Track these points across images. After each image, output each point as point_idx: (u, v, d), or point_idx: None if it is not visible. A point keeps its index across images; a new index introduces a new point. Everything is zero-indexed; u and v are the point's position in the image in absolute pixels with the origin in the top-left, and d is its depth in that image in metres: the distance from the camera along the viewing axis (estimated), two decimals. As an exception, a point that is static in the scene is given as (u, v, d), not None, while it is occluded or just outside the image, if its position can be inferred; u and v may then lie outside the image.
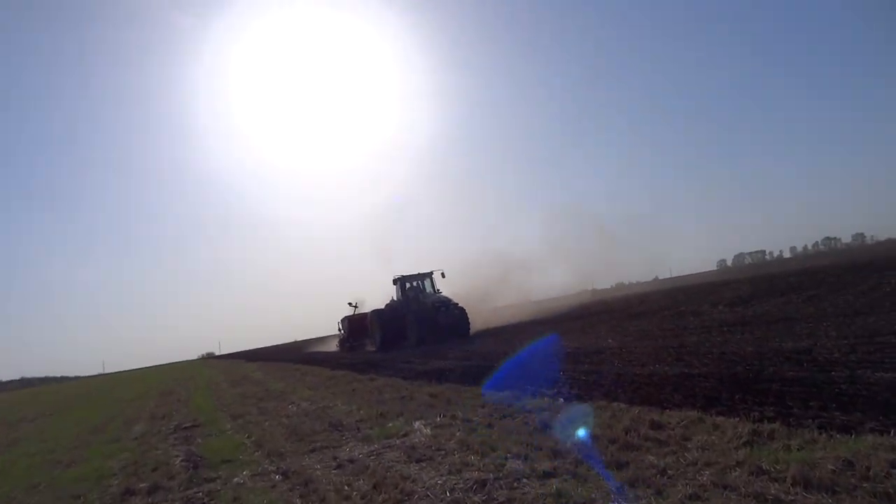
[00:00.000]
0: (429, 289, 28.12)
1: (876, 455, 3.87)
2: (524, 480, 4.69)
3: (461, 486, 4.78)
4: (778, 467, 4.04)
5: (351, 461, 6.35)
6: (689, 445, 4.92)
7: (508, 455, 5.44)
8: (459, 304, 26.15)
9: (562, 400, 7.85)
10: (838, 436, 4.48)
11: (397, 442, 6.91)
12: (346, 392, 12.55)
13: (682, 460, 4.56)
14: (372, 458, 6.35)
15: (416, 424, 7.72)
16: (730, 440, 4.83)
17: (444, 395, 9.93)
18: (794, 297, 19.61)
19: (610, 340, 15.53)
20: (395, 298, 28.44)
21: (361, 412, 9.48)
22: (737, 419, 5.38)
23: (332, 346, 39.29)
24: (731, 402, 6.19)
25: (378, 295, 35.46)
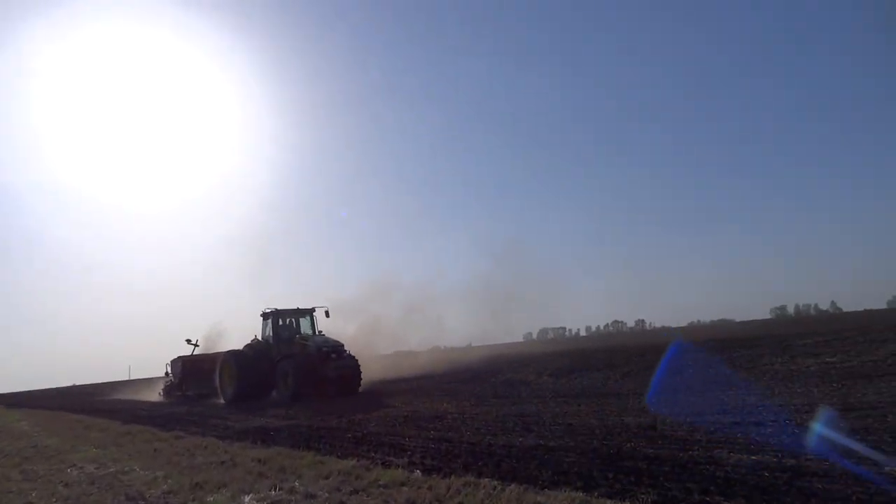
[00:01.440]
0: (306, 329, 23.00)
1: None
2: (408, 584, 3.74)
3: (326, 593, 3.69)
4: (701, 567, 3.59)
5: (161, 552, 4.86)
6: (589, 536, 4.35)
7: (379, 547, 4.45)
8: (350, 353, 21.76)
9: (418, 472, 6.98)
10: (742, 527, 4.20)
11: (224, 525, 5.51)
12: (146, 453, 10.41)
13: (588, 556, 3.95)
14: (191, 547, 4.92)
15: (247, 500, 6.34)
16: (630, 529, 4.36)
17: (274, 460, 8.52)
18: (611, 373, 20.89)
19: (446, 405, 15.02)
20: (259, 338, 23.13)
21: (169, 481, 7.71)
22: (626, 503, 4.96)
23: (151, 395, 31.78)
24: (608, 482, 5.82)
25: (233, 335, 29.99)
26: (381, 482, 6.62)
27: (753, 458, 6.36)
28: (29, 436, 16.20)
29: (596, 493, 5.38)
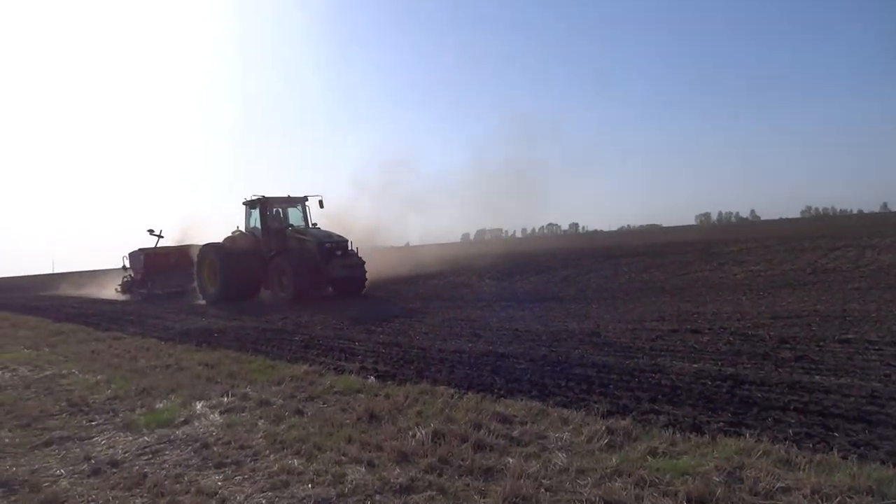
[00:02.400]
0: (297, 221, 20.17)
1: (753, 464, 3.80)
2: (377, 498, 3.77)
3: (295, 509, 3.67)
4: (659, 477, 3.77)
5: (114, 464, 4.70)
6: (549, 445, 4.48)
7: (343, 458, 4.45)
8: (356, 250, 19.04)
9: (373, 378, 7.03)
10: (693, 437, 4.41)
11: (178, 433, 5.39)
12: (84, 355, 10.06)
13: (550, 467, 4.07)
14: (146, 459, 4.79)
15: (199, 407, 6.21)
16: (589, 440, 4.51)
17: (222, 365, 8.39)
18: (550, 277, 21.50)
19: (391, 307, 15.15)
20: (242, 230, 20.37)
21: (113, 386, 7.48)
22: (583, 413, 5.13)
23: (100, 290, 29.48)
24: (561, 391, 6.02)
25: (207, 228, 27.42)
26: (336, 389, 6.62)
27: (695, 366, 6.68)
28: (-51, 334, 15.38)
29: (551, 402, 5.54)
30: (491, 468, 4.11)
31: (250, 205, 20.16)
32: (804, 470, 3.69)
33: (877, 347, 7.09)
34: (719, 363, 6.76)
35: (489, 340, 9.20)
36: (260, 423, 5.49)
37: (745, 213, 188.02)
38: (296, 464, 4.38)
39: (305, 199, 20.36)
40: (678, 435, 4.48)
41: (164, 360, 9.04)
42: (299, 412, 5.79)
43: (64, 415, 6.31)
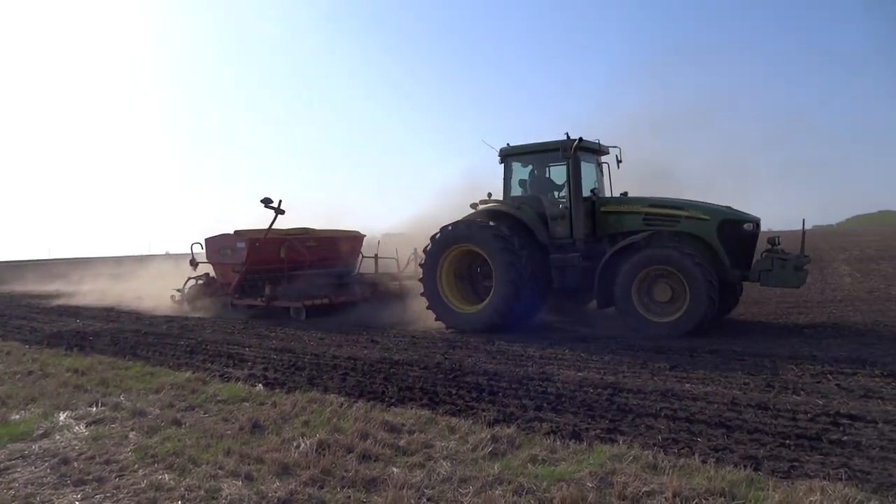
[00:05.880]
0: (587, 183, 10.84)
1: (624, 469, 4.00)
2: (253, 513, 3.62)
3: (160, 527, 3.45)
4: (537, 484, 3.88)
5: (-47, 484, 4.23)
6: (434, 454, 4.50)
7: (220, 472, 4.23)
8: None
9: (260, 386, 6.78)
10: (572, 444, 4.59)
11: (34, 448, 4.92)
12: (-70, 360, 8.99)
13: (434, 476, 4.09)
14: (-7, 477, 4.34)
15: (62, 417, 5.72)
16: (474, 448, 4.58)
17: (94, 371, 7.80)
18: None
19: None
20: (493, 200, 11.52)
21: (-38, 395, 6.75)
22: (470, 421, 5.21)
23: (162, 297, 15.58)
24: (451, 399, 6.07)
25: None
26: (219, 397, 6.33)
27: (580, 374, 6.97)
28: None
29: (440, 410, 5.58)
30: (375, 479, 4.07)
31: (538, 153, 11.28)
32: (668, 474, 3.94)
33: (740, 357, 7.68)
34: (602, 372, 7.08)
35: (385, 347, 9.14)
36: (131, 436, 5.14)
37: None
38: (167, 479, 4.12)
39: (606, 151, 11.67)
40: (558, 442, 4.64)
41: (27, 365, 8.28)
42: (177, 423, 5.47)
43: None
